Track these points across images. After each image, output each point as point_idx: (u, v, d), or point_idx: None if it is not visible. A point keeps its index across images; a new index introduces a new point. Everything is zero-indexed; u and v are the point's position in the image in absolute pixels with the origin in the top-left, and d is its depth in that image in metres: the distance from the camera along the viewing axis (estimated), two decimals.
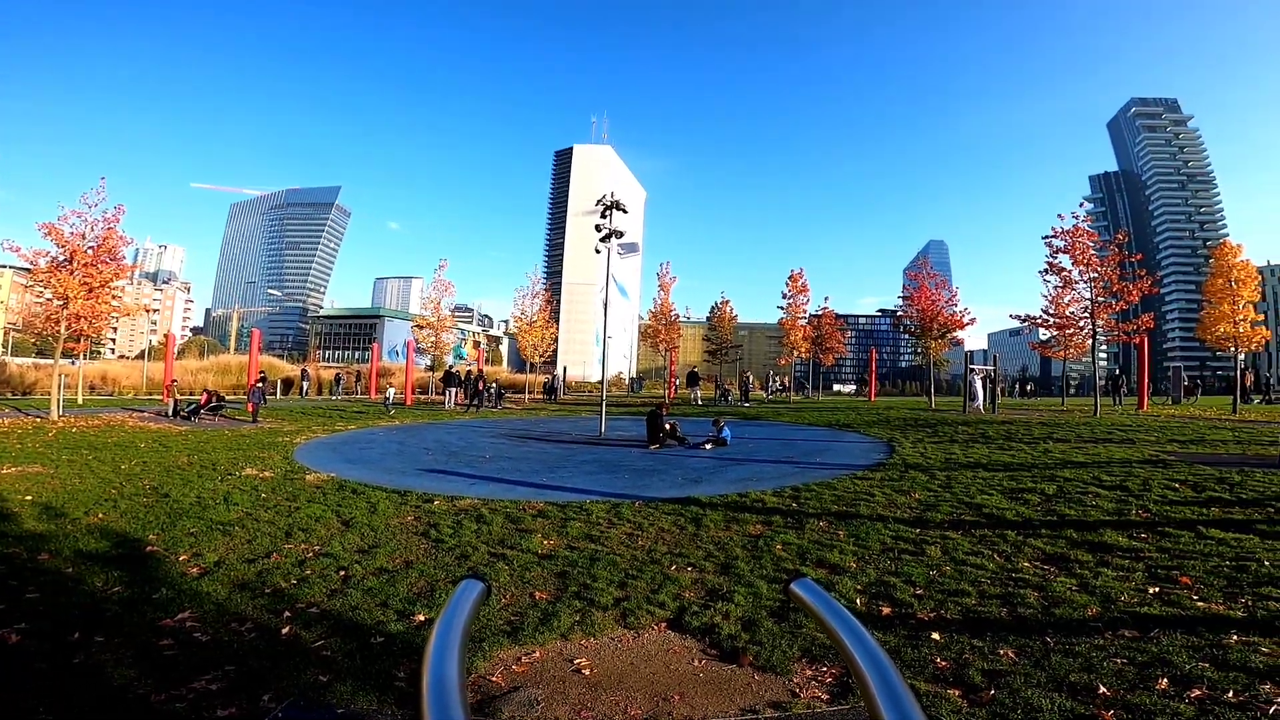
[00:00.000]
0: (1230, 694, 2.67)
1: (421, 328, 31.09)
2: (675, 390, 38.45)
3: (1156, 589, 4.06)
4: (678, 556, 5.19)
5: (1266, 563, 4.45)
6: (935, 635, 3.52)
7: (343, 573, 4.74)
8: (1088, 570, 4.52)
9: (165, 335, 75.71)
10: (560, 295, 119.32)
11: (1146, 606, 3.75)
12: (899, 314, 28.89)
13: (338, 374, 37.31)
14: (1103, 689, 2.81)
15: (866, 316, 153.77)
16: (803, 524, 6.16)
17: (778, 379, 44.35)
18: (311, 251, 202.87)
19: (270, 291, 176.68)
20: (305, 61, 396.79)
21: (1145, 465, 8.88)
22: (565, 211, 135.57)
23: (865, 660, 0.82)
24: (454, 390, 26.80)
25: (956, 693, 2.91)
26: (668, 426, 13.10)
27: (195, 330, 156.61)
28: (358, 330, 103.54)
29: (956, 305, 26.16)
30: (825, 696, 2.97)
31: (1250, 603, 3.72)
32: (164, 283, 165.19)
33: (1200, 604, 3.74)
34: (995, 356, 28.50)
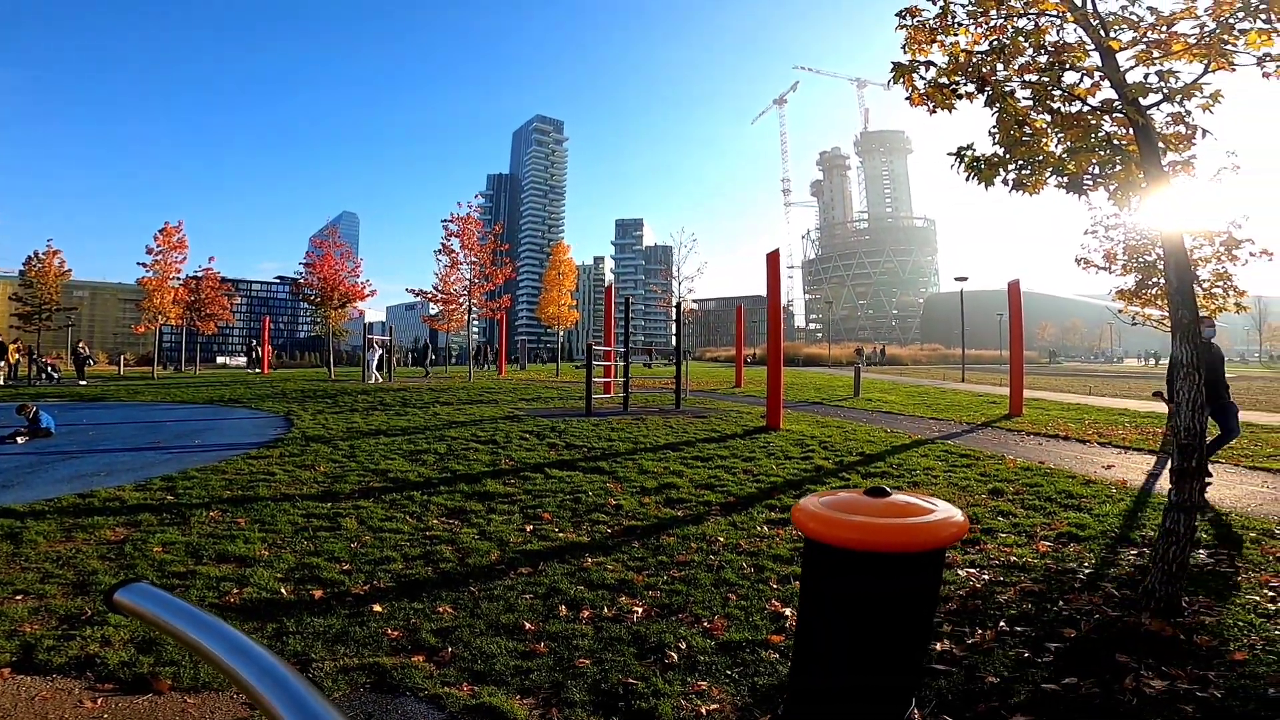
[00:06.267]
0: (605, 610, 3.46)
1: None
2: None
3: (531, 527, 5.00)
4: None
5: (590, 493, 6.08)
6: (377, 608, 3.42)
7: None
8: (482, 519, 5.21)
9: None
10: None
11: (529, 544, 4.57)
12: (300, 281, 26.96)
13: None
14: (527, 625, 3.25)
15: (262, 282, 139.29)
16: (187, 517, 5.05)
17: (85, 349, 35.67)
18: None
19: None
20: None
21: (506, 421, 10.90)
22: None
23: (243, 665, 0.63)
24: None
25: (420, 658, 2.90)
26: None
27: None
28: None
29: (360, 276, 26.45)
30: None
31: (589, 528, 4.99)
32: None
33: (561, 535, 4.80)
34: (391, 328, 30.20)
